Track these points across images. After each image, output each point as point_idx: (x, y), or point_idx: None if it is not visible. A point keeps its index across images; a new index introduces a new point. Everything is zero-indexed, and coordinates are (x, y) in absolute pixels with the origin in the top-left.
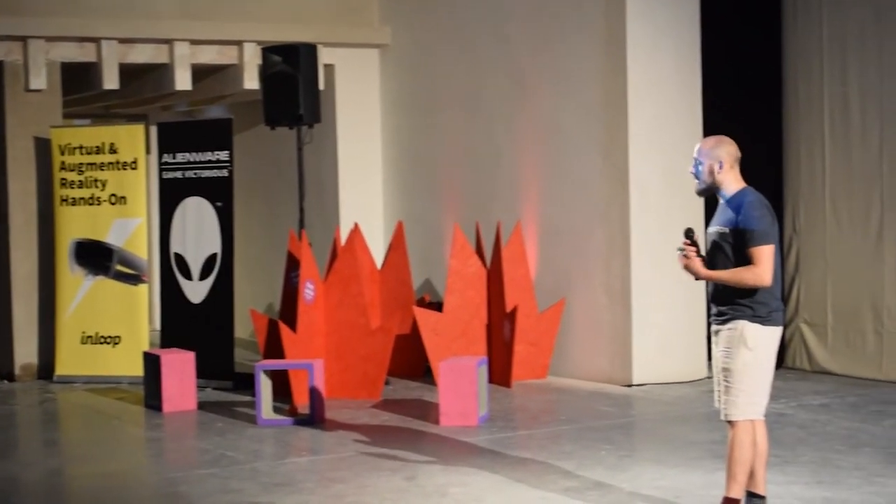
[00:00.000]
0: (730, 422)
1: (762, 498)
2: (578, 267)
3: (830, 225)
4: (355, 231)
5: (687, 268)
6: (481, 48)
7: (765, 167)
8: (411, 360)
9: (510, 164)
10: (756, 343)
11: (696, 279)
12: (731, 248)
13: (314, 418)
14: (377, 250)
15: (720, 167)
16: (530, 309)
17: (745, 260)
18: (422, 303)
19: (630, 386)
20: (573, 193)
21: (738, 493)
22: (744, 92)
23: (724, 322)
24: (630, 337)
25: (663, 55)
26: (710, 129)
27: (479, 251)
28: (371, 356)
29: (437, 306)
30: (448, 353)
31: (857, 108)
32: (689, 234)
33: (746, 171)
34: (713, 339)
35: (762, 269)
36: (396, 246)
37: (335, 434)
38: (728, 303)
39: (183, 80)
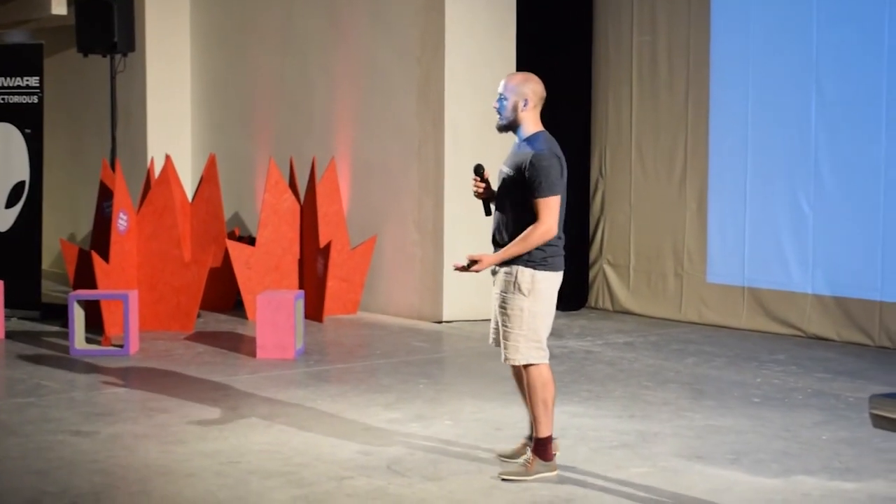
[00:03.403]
0: (525, 366)
1: None
2: (391, 204)
3: (636, 170)
4: (168, 162)
5: (476, 269)
6: None
7: (574, 112)
8: (221, 293)
9: (325, 101)
10: (531, 288)
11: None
12: (521, 194)
13: (129, 349)
14: (185, 183)
15: (525, 104)
16: (343, 245)
17: (530, 208)
18: (232, 236)
19: (440, 322)
20: (388, 131)
21: (546, 431)
22: (556, 36)
23: (500, 265)
24: (441, 274)
25: None
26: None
27: (293, 186)
28: (184, 288)
29: (248, 240)
30: (260, 287)
31: (665, 56)
32: (478, 170)
33: (557, 114)
34: (491, 277)
35: (549, 222)
36: (208, 178)
37: (152, 365)
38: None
39: None
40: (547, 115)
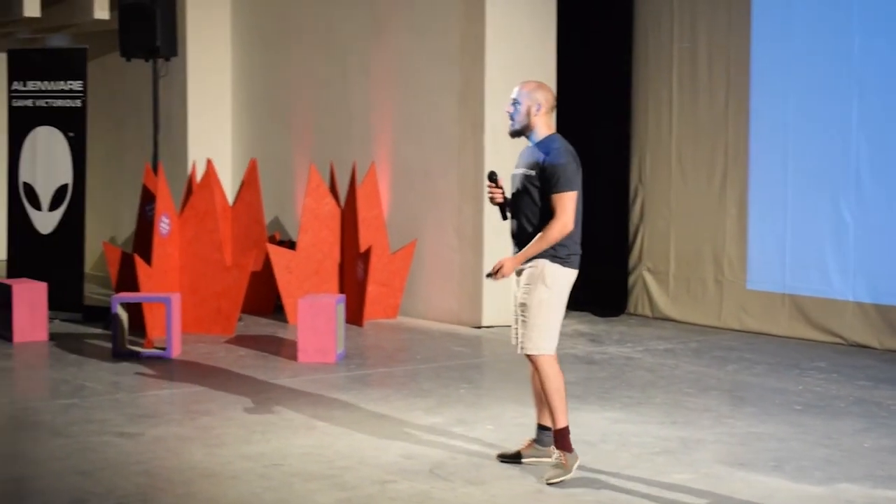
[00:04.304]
0: (530, 359)
1: (549, 429)
2: (431, 209)
3: (675, 176)
4: (210, 167)
5: (502, 274)
6: None
7: (614, 118)
8: (262, 297)
9: (365, 106)
10: (553, 281)
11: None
12: (538, 192)
13: (171, 352)
14: (226, 188)
15: (538, 109)
16: (383, 249)
17: (549, 204)
18: (272, 241)
19: (479, 327)
20: (428, 136)
21: (563, 421)
22: (596, 43)
23: (526, 260)
24: (480, 279)
25: (520, 4)
26: (562, 79)
27: (334, 190)
28: (226, 292)
29: (288, 244)
30: (301, 291)
31: (705, 62)
32: (492, 177)
33: (597, 120)
34: (515, 277)
35: (566, 217)
36: (249, 183)
37: (194, 367)
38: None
39: (31, 6)
40: (587, 121)
